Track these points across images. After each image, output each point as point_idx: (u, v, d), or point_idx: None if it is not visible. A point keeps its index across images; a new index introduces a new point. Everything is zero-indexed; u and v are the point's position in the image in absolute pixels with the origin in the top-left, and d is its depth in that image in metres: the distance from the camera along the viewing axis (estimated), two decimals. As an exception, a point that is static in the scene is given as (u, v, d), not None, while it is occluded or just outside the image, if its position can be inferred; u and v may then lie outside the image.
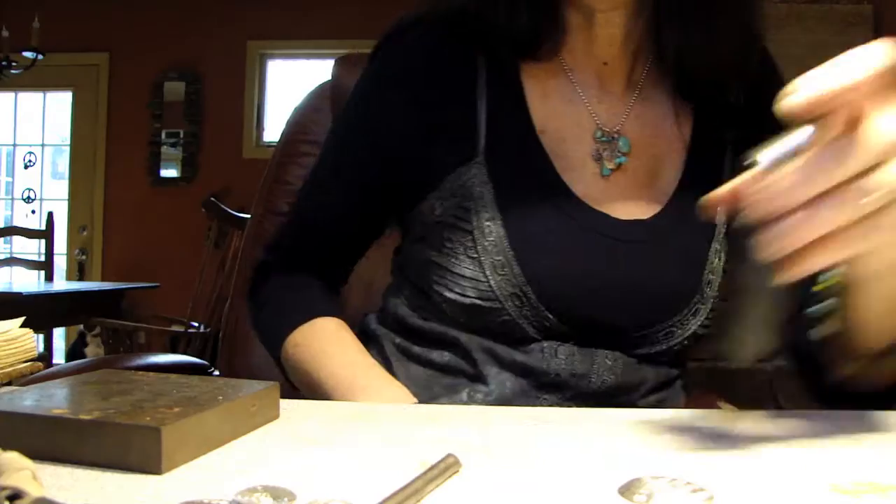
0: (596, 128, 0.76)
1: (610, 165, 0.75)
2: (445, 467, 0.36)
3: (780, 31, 2.25)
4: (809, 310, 0.60)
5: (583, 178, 0.74)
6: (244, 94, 4.68)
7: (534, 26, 0.73)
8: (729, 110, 0.79)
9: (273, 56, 4.74)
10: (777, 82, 0.83)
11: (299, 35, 4.47)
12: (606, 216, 0.73)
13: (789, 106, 0.36)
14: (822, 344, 0.60)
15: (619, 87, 0.78)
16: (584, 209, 0.72)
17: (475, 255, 0.71)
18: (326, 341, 0.75)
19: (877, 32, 2.27)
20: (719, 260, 0.76)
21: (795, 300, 0.66)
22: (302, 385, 0.76)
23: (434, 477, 0.35)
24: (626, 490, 0.34)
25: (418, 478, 0.34)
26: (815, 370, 0.64)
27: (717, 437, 0.46)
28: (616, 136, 0.76)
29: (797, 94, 0.36)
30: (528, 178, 0.73)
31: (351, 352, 0.74)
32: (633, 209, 0.74)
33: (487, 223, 0.70)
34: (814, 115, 0.36)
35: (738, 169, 0.40)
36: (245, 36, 4.62)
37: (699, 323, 0.74)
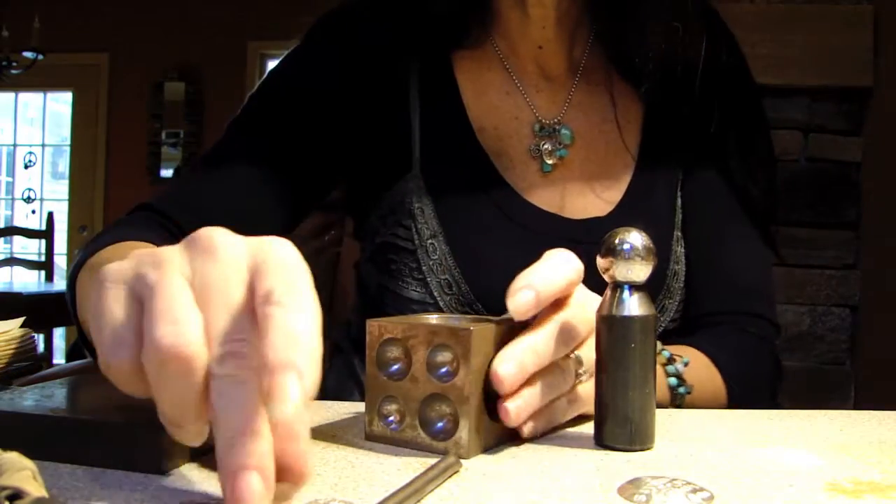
0: (535, 120, 0.71)
1: (550, 161, 0.70)
2: (445, 467, 0.36)
3: (780, 31, 2.24)
4: None
5: (526, 177, 0.70)
6: (244, 94, 4.66)
7: (461, 7, 0.69)
8: (679, 89, 0.73)
9: (273, 56, 4.73)
10: (737, 58, 0.77)
11: (299, 35, 4.47)
12: (559, 217, 0.69)
13: (522, 308, 0.40)
14: None
15: (560, 70, 0.73)
16: (533, 213, 0.68)
17: (420, 277, 0.66)
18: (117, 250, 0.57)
19: (877, 32, 2.27)
20: (681, 247, 0.73)
21: None
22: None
23: (434, 477, 0.35)
24: (626, 490, 0.34)
25: (418, 478, 0.34)
26: None
27: (717, 437, 0.46)
28: (557, 126, 0.71)
29: (524, 297, 0.40)
30: (469, 187, 0.68)
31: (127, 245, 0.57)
32: (587, 205, 0.70)
33: (430, 241, 0.66)
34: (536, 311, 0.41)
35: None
36: (245, 36, 4.62)
37: (668, 318, 0.72)
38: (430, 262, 0.66)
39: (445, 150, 0.70)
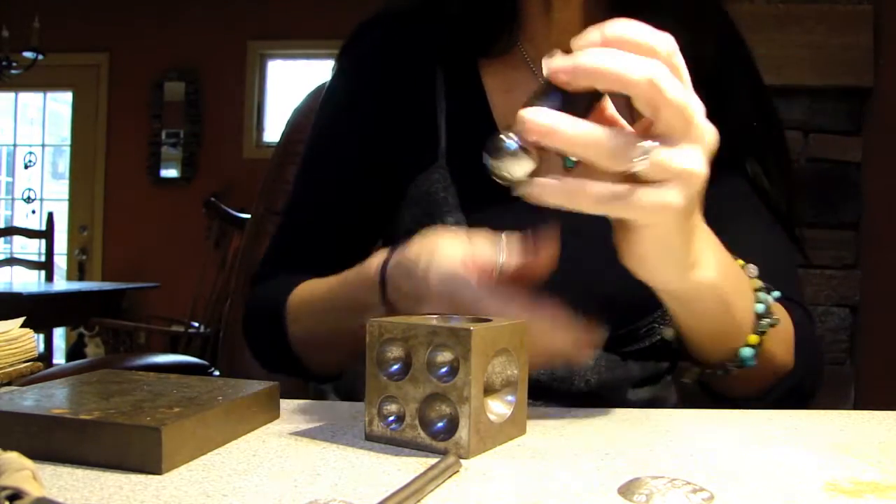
0: None
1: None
2: (445, 467, 0.36)
3: (780, 31, 2.24)
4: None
5: (550, 171, 0.73)
6: (244, 94, 4.68)
7: (490, 18, 0.72)
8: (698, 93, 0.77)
9: (273, 56, 4.73)
10: (745, 65, 0.79)
11: (299, 35, 4.47)
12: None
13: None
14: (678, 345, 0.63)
15: None
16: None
17: None
18: (317, 282, 0.70)
19: (877, 32, 2.27)
20: None
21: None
22: (313, 333, 0.69)
23: (434, 477, 0.35)
24: (626, 490, 0.34)
25: (418, 478, 0.34)
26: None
27: (717, 437, 0.46)
28: None
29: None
30: (493, 178, 0.71)
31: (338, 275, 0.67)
32: None
33: (452, 228, 0.68)
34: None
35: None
36: (245, 36, 4.62)
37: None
38: None
39: (470, 144, 0.73)
